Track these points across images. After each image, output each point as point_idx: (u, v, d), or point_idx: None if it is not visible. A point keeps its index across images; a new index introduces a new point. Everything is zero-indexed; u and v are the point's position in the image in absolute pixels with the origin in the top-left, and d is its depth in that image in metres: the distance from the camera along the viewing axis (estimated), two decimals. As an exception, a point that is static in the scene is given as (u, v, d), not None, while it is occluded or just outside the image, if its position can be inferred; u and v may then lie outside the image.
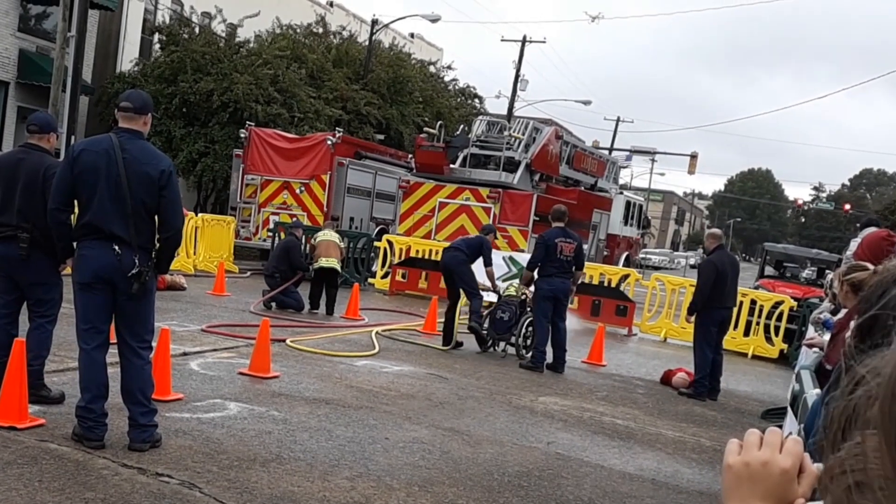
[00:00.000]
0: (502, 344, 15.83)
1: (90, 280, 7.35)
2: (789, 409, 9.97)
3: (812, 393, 7.47)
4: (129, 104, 7.50)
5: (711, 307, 14.02)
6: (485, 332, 15.67)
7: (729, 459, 1.69)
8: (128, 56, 39.99)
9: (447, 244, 24.50)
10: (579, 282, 16.26)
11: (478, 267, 15.85)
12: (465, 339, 16.11)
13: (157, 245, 7.55)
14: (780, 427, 7.03)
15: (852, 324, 2.16)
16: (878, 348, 1.43)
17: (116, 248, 7.27)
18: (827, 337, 11.88)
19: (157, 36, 39.34)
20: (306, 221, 26.90)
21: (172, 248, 7.64)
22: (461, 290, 15.86)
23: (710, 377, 14.17)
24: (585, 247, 29.68)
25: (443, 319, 16.29)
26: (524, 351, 15.45)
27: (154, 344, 7.84)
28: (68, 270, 8.03)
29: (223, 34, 38.38)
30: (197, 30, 38.55)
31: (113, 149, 7.32)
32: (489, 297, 16.58)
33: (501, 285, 17.04)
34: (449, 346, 15.76)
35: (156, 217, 7.44)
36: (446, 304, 16.11)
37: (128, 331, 7.53)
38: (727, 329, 15.20)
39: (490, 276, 15.85)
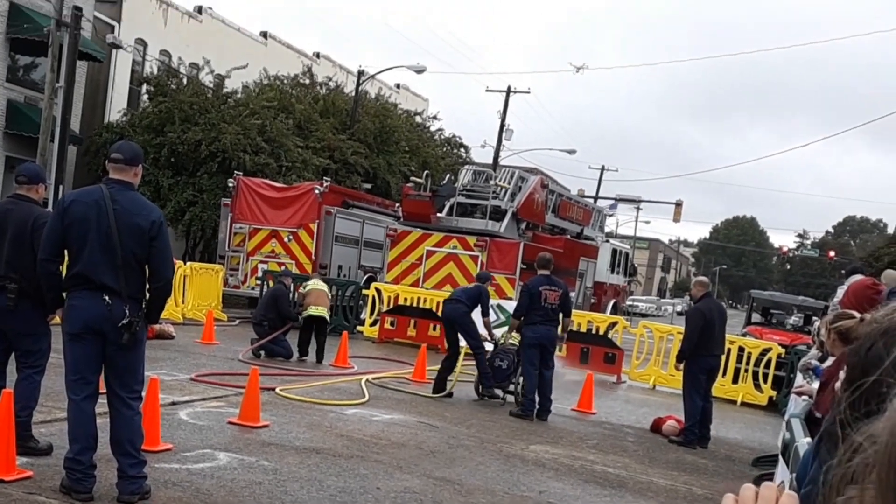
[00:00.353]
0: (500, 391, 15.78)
1: (80, 331, 7.29)
2: (780, 457, 9.91)
3: (803, 442, 7.42)
4: (121, 155, 7.50)
5: (700, 355, 14.01)
6: (499, 395, 15.48)
7: None
8: (116, 106, 40.06)
9: (436, 292, 24.70)
10: (569, 329, 16.21)
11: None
12: (456, 390, 16.01)
13: (148, 295, 7.49)
14: (772, 475, 6.96)
15: (841, 374, 2.14)
16: (873, 415, 1.42)
17: (107, 298, 7.22)
18: (816, 385, 11.86)
19: (145, 86, 39.41)
20: (295, 270, 26.84)
21: (163, 298, 7.59)
22: (464, 344, 15.85)
23: (700, 425, 14.11)
24: (572, 294, 29.70)
25: (437, 367, 16.18)
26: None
27: (143, 394, 7.73)
28: (57, 320, 7.96)
29: (211, 85, 38.48)
30: (185, 80, 38.65)
31: (104, 200, 7.30)
32: (487, 346, 16.52)
33: (497, 333, 16.97)
34: (440, 394, 15.68)
35: (146, 267, 7.40)
36: (439, 355, 16.03)
37: (117, 381, 7.44)
38: (716, 376, 15.14)
39: (487, 325, 15.99)
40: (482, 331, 15.92)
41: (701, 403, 14.12)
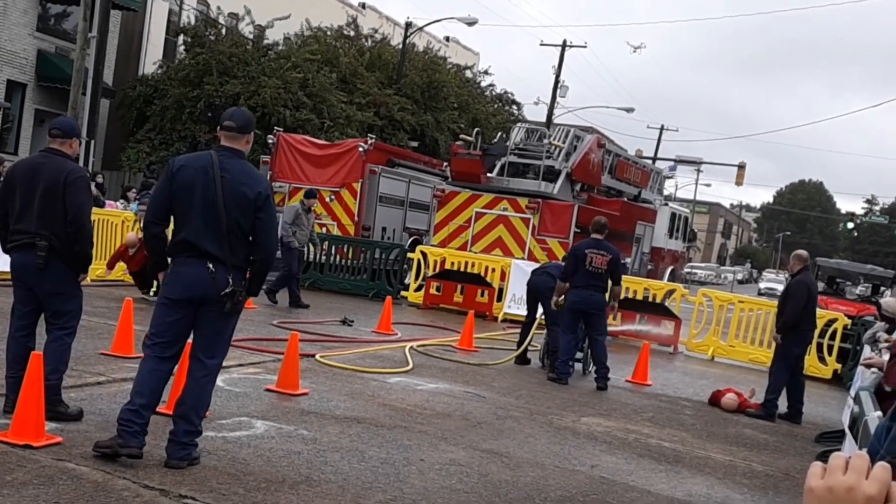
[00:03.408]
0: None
1: (178, 296, 7.48)
2: (848, 432, 9.80)
3: (873, 416, 7.32)
4: (233, 123, 7.67)
5: (800, 329, 14.24)
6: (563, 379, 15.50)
7: (811, 483, 1.62)
8: (151, 58, 40.25)
9: (485, 256, 24.66)
10: (619, 297, 16.20)
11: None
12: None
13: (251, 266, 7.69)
14: (838, 451, 6.82)
15: None
16: None
17: (211, 266, 7.39)
18: (886, 357, 11.76)
19: (181, 37, 39.59)
20: (336, 231, 26.90)
21: (264, 270, 7.75)
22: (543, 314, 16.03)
23: (797, 400, 14.37)
24: (628, 260, 29.58)
25: (484, 335, 16.32)
26: (590, 367, 15.60)
27: (222, 363, 7.92)
28: (87, 280, 7.99)
29: (251, 36, 38.56)
30: (224, 31, 38.77)
31: (212, 166, 7.47)
32: None
33: None
34: (515, 354, 16.04)
35: (250, 238, 7.57)
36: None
37: (204, 346, 7.63)
38: (806, 351, 15.49)
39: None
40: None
41: (787, 378, 14.27)
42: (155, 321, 7.64)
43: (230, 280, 7.42)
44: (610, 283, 15.14)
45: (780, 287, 16.30)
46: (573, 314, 14.88)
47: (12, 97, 34.31)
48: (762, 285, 78.99)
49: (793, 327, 14.18)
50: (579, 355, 15.54)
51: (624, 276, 24.91)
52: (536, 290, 16.01)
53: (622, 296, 19.18)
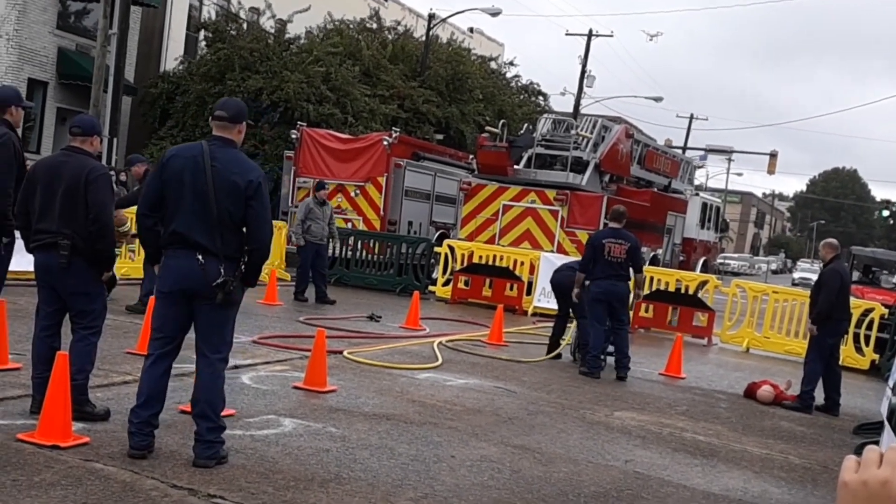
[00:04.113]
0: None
1: (170, 289, 7.53)
2: (886, 423, 9.74)
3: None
4: (224, 112, 7.67)
5: (834, 319, 14.17)
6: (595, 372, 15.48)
7: (845, 477, 1.60)
8: (172, 54, 40.36)
9: (513, 249, 24.64)
10: (643, 285, 16.20)
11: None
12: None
13: (246, 258, 7.68)
14: (875, 444, 6.84)
15: None
16: None
17: (200, 257, 7.40)
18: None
19: (202, 33, 39.66)
20: (362, 226, 26.93)
21: (259, 260, 7.71)
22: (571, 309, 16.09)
23: (833, 391, 14.35)
24: (659, 251, 29.49)
25: (514, 329, 16.34)
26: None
27: (228, 357, 7.85)
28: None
29: (272, 30, 38.59)
30: (245, 26, 38.81)
31: (202, 156, 7.48)
32: None
33: None
34: (551, 355, 16.01)
35: (243, 228, 7.57)
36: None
37: (204, 341, 7.62)
38: (841, 341, 15.51)
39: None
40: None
41: (822, 369, 14.25)
42: (153, 318, 7.79)
43: (221, 271, 7.40)
44: (632, 271, 15.18)
45: (815, 277, 16.20)
46: (597, 305, 14.92)
47: (34, 96, 34.47)
48: (796, 275, 78.61)
49: (826, 317, 14.12)
50: (611, 348, 15.50)
51: (656, 268, 24.93)
52: (561, 287, 16.00)
53: (647, 287, 19.15)
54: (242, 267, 7.63)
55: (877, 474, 1.56)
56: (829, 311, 14.08)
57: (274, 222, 25.46)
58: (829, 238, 15.22)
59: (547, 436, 10.21)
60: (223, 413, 9.00)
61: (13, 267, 9.46)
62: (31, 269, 8.55)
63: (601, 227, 24.78)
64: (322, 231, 20.92)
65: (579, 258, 17.74)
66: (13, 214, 8.96)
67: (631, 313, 16.62)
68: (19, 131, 9.55)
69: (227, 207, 7.41)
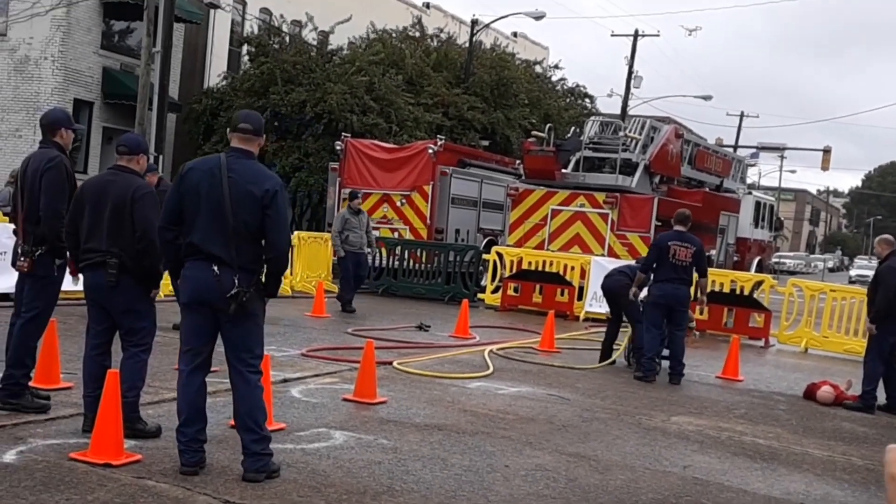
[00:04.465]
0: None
1: (190, 301, 7.57)
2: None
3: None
4: (249, 125, 7.71)
5: (893, 316, 13.91)
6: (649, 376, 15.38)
7: (893, 469, 1.56)
8: (216, 70, 40.66)
9: (563, 254, 24.59)
10: (707, 290, 16.08)
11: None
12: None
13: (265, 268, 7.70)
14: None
15: None
16: None
17: (216, 268, 7.41)
18: None
19: (245, 47, 39.97)
20: (409, 235, 26.98)
21: (277, 270, 7.71)
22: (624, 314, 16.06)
23: (892, 390, 14.18)
24: (713, 252, 29.28)
25: (566, 335, 16.31)
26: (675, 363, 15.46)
27: (261, 367, 7.81)
28: (161, 296, 8.08)
29: (315, 42, 38.76)
30: (287, 39, 39.01)
31: (219, 168, 7.52)
32: None
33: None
34: (605, 362, 15.86)
35: (262, 239, 7.57)
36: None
37: (233, 354, 7.65)
38: None
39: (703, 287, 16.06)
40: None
41: (883, 368, 14.07)
42: (181, 332, 7.83)
43: (236, 281, 7.40)
44: (696, 276, 15.13)
45: (872, 274, 16.01)
46: (657, 308, 14.86)
47: (80, 116, 34.83)
48: (853, 272, 77.81)
49: (885, 315, 13.92)
50: (666, 352, 15.40)
51: (710, 269, 24.79)
52: (612, 292, 15.89)
53: (709, 289, 19.02)
54: (262, 278, 7.67)
55: None
56: (889, 309, 13.87)
57: (321, 234, 25.67)
58: (885, 234, 15.06)
59: (602, 443, 10.15)
60: (273, 427, 9.05)
61: (63, 287, 9.52)
62: (80, 288, 8.62)
63: (652, 229, 24.72)
64: (360, 240, 20.99)
65: (630, 262, 17.70)
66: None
67: (693, 314, 16.43)
68: (68, 153, 9.62)
69: (243, 218, 7.41)
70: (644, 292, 15.30)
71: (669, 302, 14.81)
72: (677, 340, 15.00)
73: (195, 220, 7.49)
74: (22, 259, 9.14)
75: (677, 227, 15.11)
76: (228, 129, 7.91)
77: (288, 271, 23.44)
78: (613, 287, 15.84)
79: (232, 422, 8.94)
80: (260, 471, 7.52)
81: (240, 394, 7.64)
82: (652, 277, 15.00)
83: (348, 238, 20.76)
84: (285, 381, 11.85)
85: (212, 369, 7.93)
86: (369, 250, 21.74)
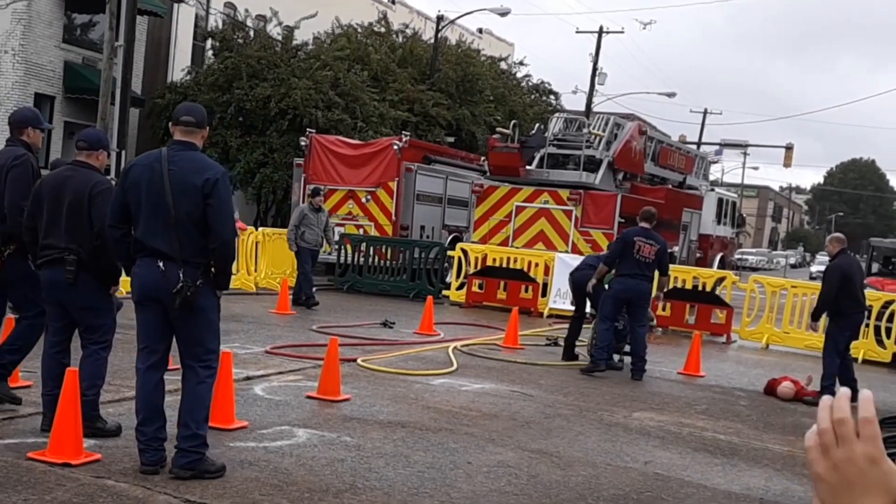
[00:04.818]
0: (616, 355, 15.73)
1: (140, 298, 7.56)
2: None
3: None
4: (192, 118, 7.68)
5: (844, 314, 14.24)
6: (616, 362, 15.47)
7: (817, 469, 1.57)
8: (179, 64, 40.37)
9: (527, 251, 24.61)
10: (665, 288, 16.18)
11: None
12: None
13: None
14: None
15: None
16: None
17: (161, 264, 7.38)
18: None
19: (209, 42, 39.73)
20: (374, 231, 26.94)
21: (224, 260, 7.62)
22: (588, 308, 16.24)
23: (849, 380, 14.25)
24: (676, 248, 29.39)
25: (530, 332, 16.40)
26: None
27: (215, 365, 7.77)
28: (121, 293, 8.03)
29: (279, 37, 38.61)
30: (252, 34, 38.83)
31: (159, 161, 7.48)
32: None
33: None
34: (571, 361, 15.83)
35: (206, 231, 7.48)
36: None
37: (184, 350, 7.62)
38: (858, 335, 15.51)
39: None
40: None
41: (839, 363, 14.28)
42: (137, 329, 7.75)
43: (181, 276, 7.32)
44: (657, 273, 15.20)
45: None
46: (616, 302, 14.96)
47: (41, 110, 34.41)
48: (813, 269, 78.26)
49: (837, 312, 14.23)
50: (628, 348, 15.47)
51: (672, 266, 24.91)
52: (581, 286, 15.89)
53: (670, 285, 19.14)
54: (211, 271, 7.58)
55: (840, 455, 1.53)
56: (833, 307, 14.23)
57: (286, 230, 25.56)
58: (836, 233, 15.29)
59: (564, 439, 10.18)
60: (236, 425, 9.01)
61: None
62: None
63: (616, 225, 24.78)
64: (317, 237, 21.07)
65: (597, 254, 17.74)
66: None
67: (653, 313, 16.50)
68: (35, 152, 9.51)
69: (185, 209, 7.35)
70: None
71: (630, 296, 14.88)
72: (638, 336, 15.06)
73: (139, 217, 7.47)
74: None
75: (643, 224, 15.19)
76: (171, 123, 7.84)
77: (252, 267, 23.40)
78: (582, 281, 15.76)
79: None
80: (186, 467, 7.42)
81: (186, 388, 7.60)
82: (614, 272, 15.09)
83: (304, 234, 20.81)
84: (248, 378, 11.81)
85: (170, 367, 7.89)
86: (326, 249, 21.85)
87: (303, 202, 27.35)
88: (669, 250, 28.78)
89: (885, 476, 1.48)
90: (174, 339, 7.70)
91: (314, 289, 21.27)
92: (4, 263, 9.03)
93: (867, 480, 1.49)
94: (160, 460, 7.53)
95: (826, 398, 1.57)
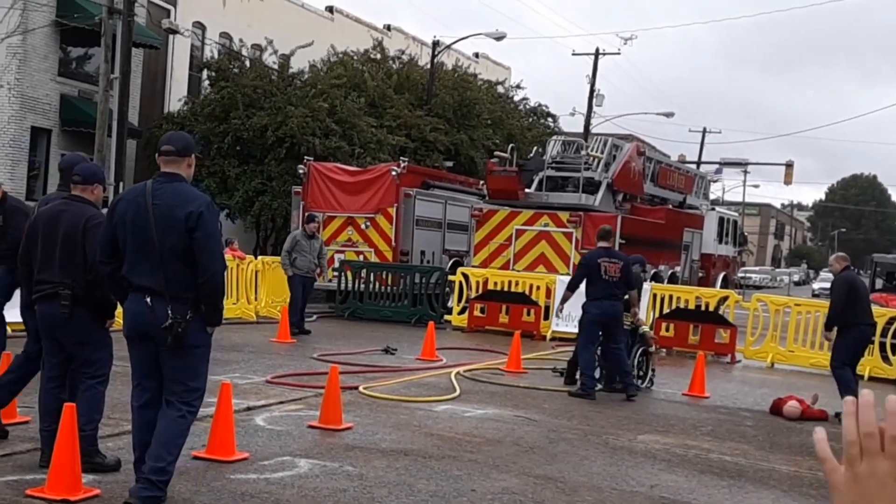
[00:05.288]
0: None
1: (129, 333, 7.48)
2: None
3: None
4: (171, 147, 7.58)
5: (853, 324, 14.41)
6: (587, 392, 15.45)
7: (834, 480, 1.52)
8: (175, 95, 40.48)
9: (529, 274, 24.59)
10: (638, 302, 16.37)
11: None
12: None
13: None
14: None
15: None
16: None
17: (148, 300, 7.29)
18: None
19: (205, 72, 39.82)
20: (374, 258, 26.91)
21: (213, 294, 7.47)
22: None
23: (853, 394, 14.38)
24: (678, 269, 29.38)
25: (532, 355, 16.38)
26: (639, 381, 15.60)
27: (196, 404, 7.61)
28: (117, 326, 7.98)
29: (275, 66, 38.69)
30: (247, 63, 38.92)
31: (144, 195, 7.39)
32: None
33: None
34: (571, 384, 15.74)
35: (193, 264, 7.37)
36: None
37: (168, 388, 7.49)
38: (865, 350, 15.76)
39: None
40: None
41: (852, 375, 14.48)
42: (131, 364, 7.70)
43: (169, 312, 7.20)
44: (626, 289, 15.35)
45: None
46: (594, 325, 14.99)
47: (37, 144, 34.58)
48: (815, 286, 78.29)
49: (845, 324, 14.36)
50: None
51: (675, 286, 24.89)
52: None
53: (667, 305, 19.10)
54: (201, 307, 7.41)
55: (884, 467, 1.48)
56: (843, 318, 14.36)
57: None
58: (840, 252, 15.48)
59: (569, 464, 10.11)
60: (236, 457, 8.95)
61: (13, 318, 9.42)
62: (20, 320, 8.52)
63: (617, 247, 24.75)
64: (309, 265, 20.99)
65: None
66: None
67: (651, 331, 16.42)
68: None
69: (171, 245, 7.25)
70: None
71: (607, 319, 14.96)
72: (615, 355, 15.09)
73: (126, 252, 7.40)
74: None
75: (601, 244, 15.39)
76: (157, 154, 7.78)
77: (252, 296, 23.34)
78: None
79: (195, 452, 8.87)
80: (143, 499, 7.18)
81: (164, 419, 7.40)
82: (586, 295, 15.14)
83: (296, 261, 20.78)
84: (249, 409, 11.74)
85: None
86: (327, 276, 21.92)
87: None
88: (671, 270, 28.95)
89: None
90: None
91: (308, 318, 21.30)
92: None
93: (887, 496, 1.44)
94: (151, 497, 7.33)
95: (849, 404, 1.52)
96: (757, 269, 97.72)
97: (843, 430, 1.48)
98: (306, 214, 22.94)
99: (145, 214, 7.29)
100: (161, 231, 7.24)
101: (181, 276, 7.31)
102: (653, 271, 27.67)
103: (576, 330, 16.93)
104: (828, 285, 66.69)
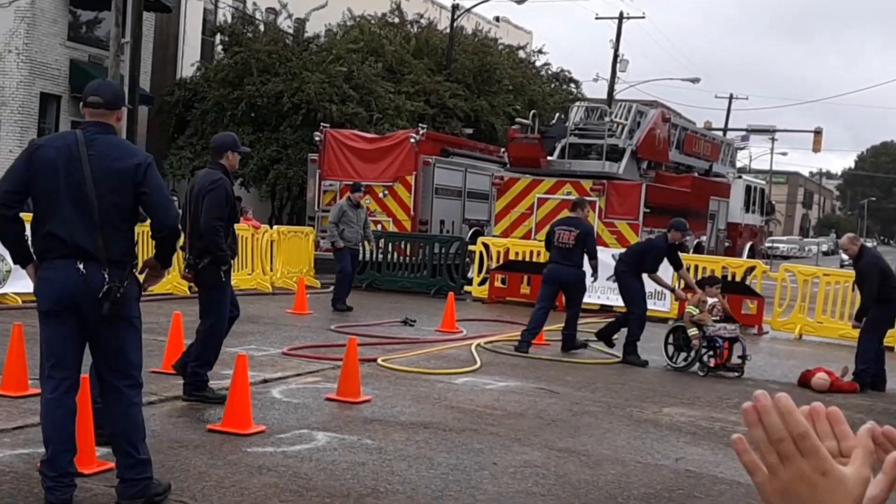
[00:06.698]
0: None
1: (51, 307, 6.70)
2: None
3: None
4: (100, 98, 6.88)
5: (889, 299, 14.47)
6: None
7: (764, 494, 1.47)
8: (188, 60, 40.41)
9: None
10: (597, 269, 16.70)
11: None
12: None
13: (155, 249, 7.20)
14: None
15: None
16: None
17: (81, 266, 6.55)
18: None
19: (218, 37, 39.76)
20: (392, 227, 26.89)
21: (172, 248, 7.16)
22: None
23: (879, 367, 14.70)
24: (704, 238, 29.29)
25: (555, 328, 16.99)
26: (682, 363, 15.35)
27: (142, 381, 7.13)
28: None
29: (290, 30, 38.62)
30: (262, 27, 38.87)
31: (76, 145, 6.67)
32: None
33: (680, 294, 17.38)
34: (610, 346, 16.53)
35: (135, 224, 6.98)
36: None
37: (106, 367, 6.88)
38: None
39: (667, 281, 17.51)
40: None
41: (877, 346, 14.72)
42: (41, 345, 6.92)
43: (105, 277, 6.52)
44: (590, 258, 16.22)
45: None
46: (545, 286, 16.43)
47: (46, 110, 34.60)
48: (844, 255, 77.88)
49: (882, 300, 14.42)
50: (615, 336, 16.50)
51: (701, 256, 24.82)
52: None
53: (692, 275, 19.03)
54: (135, 273, 6.96)
55: (808, 466, 1.45)
56: (879, 296, 14.40)
57: (302, 228, 25.53)
58: (849, 233, 15.59)
59: (593, 437, 10.12)
60: (253, 430, 8.97)
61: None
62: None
63: (641, 216, 24.74)
64: (356, 236, 20.61)
65: (622, 250, 18.11)
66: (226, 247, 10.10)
67: (700, 312, 16.31)
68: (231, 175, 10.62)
69: (113, 202, 6.61)
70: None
71: (554, 281, 16.26)
72: (569, 316, 16.48)
73: (52, 208, 6.63)
74: (187, 271, 10.41)
75: (571, 214, 16.74)
76: (81, 104, 7.18)
77: (268, 267, 23.39)
78: (618, 277, 16.53)
79: (211, 425, 8.91)
80: (136, 497, 6.78)
81: (114, 413, 6.90)
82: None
83: (343, 232, 20.35)
84: (265, 381, 11.77)
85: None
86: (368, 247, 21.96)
87: (318, 198, 27.41)
88: (697, 240, 28.85)
89: (840, 483, 1.41)
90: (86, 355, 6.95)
91: (325, 290, 21.26)
92: (198, 273, 10.20)
93: (821, 492, 1.41)
94: (70, 499, 6.70)
95: (762, 399, 1.47)
96: (785, 238, 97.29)
97: (769, 429, 1.44)
98: (353, 183, 22.72)
99: (80, 166, 6.58)
100: (101, 186, 6.58)
101: (121, 238, 6.77)
102: (696, 241, 27.67)
103: (597, 300, 17.29)
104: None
